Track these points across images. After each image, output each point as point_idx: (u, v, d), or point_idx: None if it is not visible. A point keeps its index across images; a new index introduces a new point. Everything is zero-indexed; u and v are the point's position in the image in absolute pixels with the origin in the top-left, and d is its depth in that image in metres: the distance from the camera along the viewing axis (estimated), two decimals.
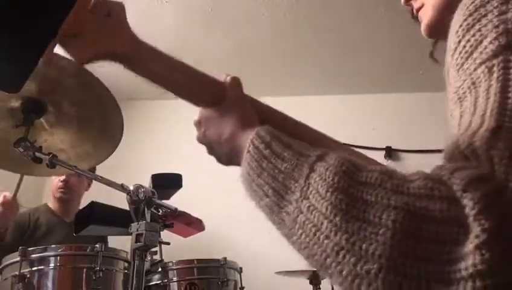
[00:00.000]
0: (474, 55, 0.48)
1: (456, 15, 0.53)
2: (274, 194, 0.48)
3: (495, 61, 0.45)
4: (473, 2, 0.50)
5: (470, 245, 0.35)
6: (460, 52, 0.50)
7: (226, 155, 0.65)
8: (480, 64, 0.46)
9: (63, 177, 2.34)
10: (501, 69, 0.45)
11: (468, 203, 0.36)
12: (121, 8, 0.67)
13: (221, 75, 0.74)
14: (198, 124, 0.70)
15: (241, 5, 2.58)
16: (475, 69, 0.47)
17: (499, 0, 0.48)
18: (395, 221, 0.38)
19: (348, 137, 3.15)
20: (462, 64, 0.49)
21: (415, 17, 0.81)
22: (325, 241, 0.41)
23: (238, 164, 0.58)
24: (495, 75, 0.45)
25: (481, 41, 0.48)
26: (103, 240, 2.22)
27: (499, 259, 0.35)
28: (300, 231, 0.44)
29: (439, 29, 0.60)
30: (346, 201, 0.41)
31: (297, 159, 0.48)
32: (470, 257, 0.35)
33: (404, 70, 3.01)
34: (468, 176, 0.38)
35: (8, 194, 1.90)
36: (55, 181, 2.40)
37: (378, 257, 0.37)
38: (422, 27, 0.72)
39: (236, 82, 0.72)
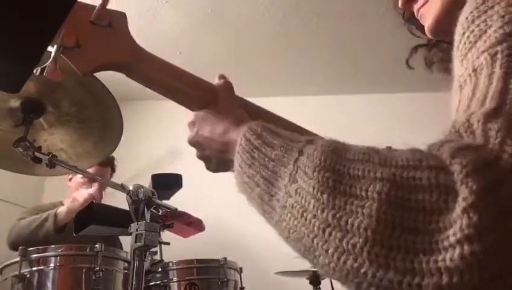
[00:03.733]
0: (478, 44, 0.47)
1: (465, 8, 0.52)
2: (265, 183, 0.47)
3: (498, 48, 0.44)
4: None
5: (457, 209, 0.34)
6: (464, 43, 0.49)
7: (218, 152, 0.64)
8: (483, 52, 0.45)
9: (92, 191, 2.17)
10: (505, 56, 0.44)
11: (456, 168, 0.35)
12: (123, 18, 0.67)
13: (215, 77, 0.74)
14: (193, 124, 0.69)
15: (241, 6, 2.58)
16: (477, 57, 0.46)
17: None
18: (381, 192, 0.37)
19: (348, 137, 3.16)
20: (466, 55, 0.48)
21: (409, 20, 0.81)
22: (312, 221, 0.40)
23: (227, 165, 0.58)
24: (498, 62, 0.44)
25: (485, 31, 0.47)
26: (113, 239, 2.22)
27: (488, 223, 0.33)
28: (289, 215, 0.43)
29: (445, 27, 0.59)
30: (333, 178, 0.40)
31: (287, 145, 0.48)
32: (457, 221, 0.34)
33: (404, 71, 3.00)
34: (457, 144, 0.37)
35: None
36: (82, 188, 2.23)
37: (364, 230, 0.36)
38: (428, 25, 0.70)
39: (229, 85, 0.73)
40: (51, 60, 0.61)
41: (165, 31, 2.76)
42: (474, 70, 0.46)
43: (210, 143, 0.65)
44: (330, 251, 0.38)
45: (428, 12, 0.70)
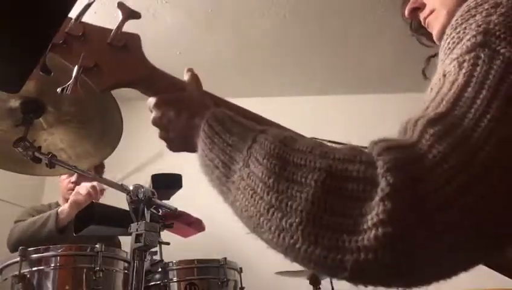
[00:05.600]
0: (455, 51, 0.49)
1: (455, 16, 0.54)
2: (222, 166, 0.53)
3: (466, 57, 0.47)
4: (468, 4, 0.52)
5: (376, 198, 0.39)
6: (445, 49, 0.52)
7: (182, 135, 0.67)
8: (454, 59, 0.48)
9: (73, 179, 2.31)
10: (470, 66, 0.46)
11: (380, 164, 0.40)
12: (137, 39, 0.73)
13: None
14: (157, 106, 0.70)
15: (241, 6, 2.58)
16: (450, 63, 0.49)
17: (490, 4, 0.50)
18: (317, 180, 0.42)
19: (348, 137, 3.16)
20: (444, 60, 0.51)
21: (416, 29, 0.82)
22: (259, 202, 0.46)
23: (190, 147, 0.63)
24: (463, 70, 0.46)
25: (462, 39, 0.49)
26: (112, 239, 2.22)
27: (400, 212, 0.38)
28: (241, 196, 0.49)
29: None
30: (280, 165, 0.45)
31: (243, 132, 0.53)
32: (375, 208, 0.39)
33: (404, 71, 3.00)
34: (387, 143, 0.42)
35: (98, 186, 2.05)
36: (65, 182, 2.36)
37: (300, 211, 0.42)
38: (436, 33, 0.72)
39: (195, 77, 0.77)
40: (72, 79, 0.67)
41: (165, 30, 2.76)
42: (444, 75, 0.48)
43: (175, 126, 0.68)
44: (272, 229, 0.44)
45: (436, 21, 0.72)
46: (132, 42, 0.71)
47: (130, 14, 0.70)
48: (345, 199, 0.40)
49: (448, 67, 0.48)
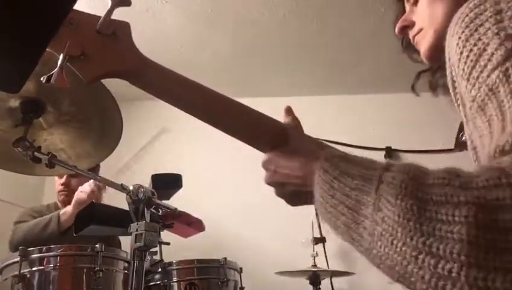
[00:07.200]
0: (481, 62, 0.49)
1: (450, 30, 0.54)
2: (349, 212, 0.48)
3: (508, 64, 0.46)
4: (467, 15, 0.52)
5: None
6: (465, 62, 0.51)
7: (297, 187, 0.65)
8: (493, 70, 0.47)
9: (63, 180, 2.32)
10: None
11: None
12: (126, 27, 0.69)
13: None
14: (268, 163, 0.70)
15: (241, 6, 2.58)
16: (488, 76, 0.47)
17: (492, 11, 0.50)
18: (468, 216, 0.37)
19: (348, 137, 3.17)
20: (470, 73, 0.50)
21: (406, 46, 0.83)
22: (403, 248, 0.41)
23: (307, 198, 0.60)
24: None
25: (484, 49, 0.49)
26: (113, 239, 2.22)
27: None
28: (379, 243, 0.44)
29: (441, 52, 0.61)
30: (417, 205, 0.41)
31: (365, 173, 0.48)
32: None
33: (404, 71, 3.00)
34: None
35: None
36: (57, 183, 2.37)
37: (458, 255, 0.37)
38: (423, 51, 0.73)
39: (297, 121, 0.75)
40: (57, 68, 0.63)
41: (164, 30, 2.76)
42: (490, 89, 0.47)
43: (290, 179, 0.66)
44: (427, 277, 0.39)
45: (423, 40, 0.73)
46: (121, 30, 0.68)
47: (120, 0, 0.65)
48: (506, 233, 0.36)
49: (489, 80, 0.47)
